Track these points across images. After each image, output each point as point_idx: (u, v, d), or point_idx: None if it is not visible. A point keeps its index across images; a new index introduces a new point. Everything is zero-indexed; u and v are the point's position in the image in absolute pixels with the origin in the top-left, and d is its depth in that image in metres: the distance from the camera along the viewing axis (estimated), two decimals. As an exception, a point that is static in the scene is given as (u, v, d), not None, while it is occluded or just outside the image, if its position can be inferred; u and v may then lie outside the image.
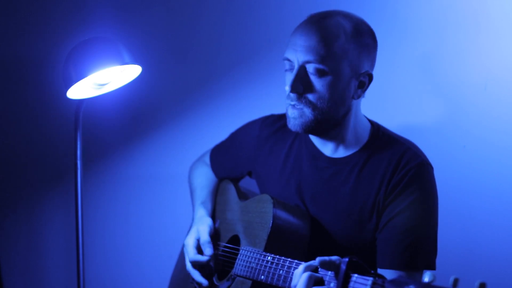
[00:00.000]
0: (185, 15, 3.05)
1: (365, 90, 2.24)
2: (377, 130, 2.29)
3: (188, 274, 2.50)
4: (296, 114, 2.19)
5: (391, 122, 2.49)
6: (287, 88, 2.17)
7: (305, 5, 2.87)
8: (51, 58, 2.98)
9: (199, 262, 2.39)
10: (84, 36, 2.47)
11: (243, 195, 2.54)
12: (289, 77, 2.17)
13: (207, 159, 2.72)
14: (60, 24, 3.01)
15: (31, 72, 3.04)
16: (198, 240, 2.43)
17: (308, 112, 2.17)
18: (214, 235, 2.48)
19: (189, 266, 2.43)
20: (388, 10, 2.87)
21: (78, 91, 2.52)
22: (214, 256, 2.41)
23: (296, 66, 2.16)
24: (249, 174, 2.58)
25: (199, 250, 2.42)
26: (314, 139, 2.33)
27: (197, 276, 2.40)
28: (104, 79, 2.55)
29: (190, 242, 2.43)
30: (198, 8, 3.05)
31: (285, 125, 2.43)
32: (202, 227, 2.45)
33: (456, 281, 1.49)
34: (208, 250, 2.39)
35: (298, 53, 2.14)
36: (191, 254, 2.41)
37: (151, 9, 3.05)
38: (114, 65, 2.41)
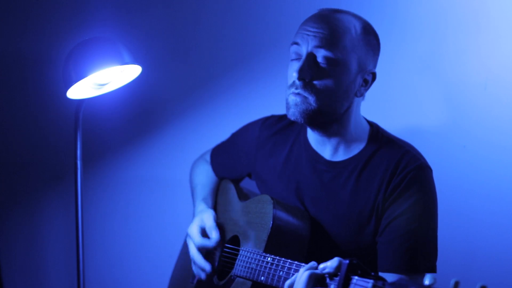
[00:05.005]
0: (185, 15, 3.05)
1: (368, 89, 2.25)
2: (376, 132, 2.29)
3: (187, 273, 2.51)
4: (298, 101, 2.16)
5: (391, 122, 2.50)
6: (294, 74, 2.15)
7: (305, 6, 2.87)
8: (51, 58, 2.98)
9: (206, 246, 2.38)
10: (84, 36, 2.47)
11: (243, 196, 2.53)
12: (296, 65, 2.16)
13: (208, 157, 2.72)
14: (60, 24, 3.01)
15: (32, 72, 3.04)
16: (202, 228, 2.42)
17: (312, 100, 2.15)
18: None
19: (193, 250, 2.40)
20: (388, 10, 2.87)
21: (78, 91, 2.52)
22: (221, 242, 2.40)
23: (304, 52, 2.15)
24: (249, 175, 2.58)
25: (204, 236, 2.40)
26: (313, 141, 2.33)
27: (201, 260, 2.38)
28: (104, 79, 2.55)
29: (194, 229, 2.41)
30: (198, 8, 3.05)
31: (285, 127, 2.43)
32: (206, 214, 2.44)
33: (457, 284, 1.48)
34: (214, 234, 2.38)
35: (310, 38, 2.15)
36: (197, 238, 2.39)
37: (151, 9, 3.05)
38: (114, 65, 2.40)
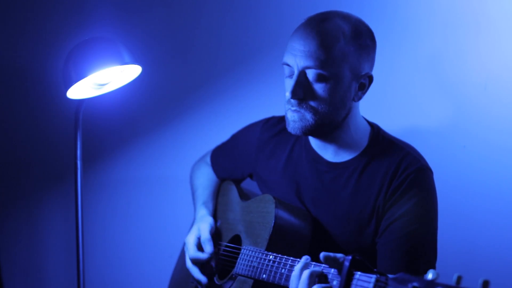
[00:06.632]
0: (185, 15, 3.05)
1: (365, 91, 2.23)
2: (377, 133, 2.28)
3: (188, 274, 2.51)
4: (296, 118, 2.17)
5: (391, 123, 2.49)
6: (288, 94, 2.15)
7: (305, 5, 2.88)
8: (51, 58, 2.97)
9: (199, 259, 2.40)
10: (84, 36, 2.47)
11: (244, 196, 2.53)
12: (289, 83, 2.16)
13: (208, 159, 2.72)
14: (60, 24, 3.01)
15: (31, 72, 3.04)
16: (198, 238, 2.43)
17: (309, 116, 2.15)
18: (215, 234, 2.48)
19: (189, 263, 2.43)
20: (388, 10, 2.87)
21: (78, 91, 2.52)
22: (214, 254, 2.40)
23: (296, 72, 2.14)
24: (250, 176, 2.58)
25: (200, 248, 2.42)
26: (314, 143, 2.33)
27: (196, 273, 2.41)
28: (104, 79, 2.55)
29: (191, 240, 2.43)
30: (198, 8, 3.05)
31: (286, 128, 2.43)
32: (203, 225, 2.45)
33: (459, 279, 1.49)
34: (208, 248, 2.39)
35: (298, 58, 2.13)
36: (191, 251, 2.41)
37: (151, 9, 3.05)
38: (114, 65, 2.40)
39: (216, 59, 3.07)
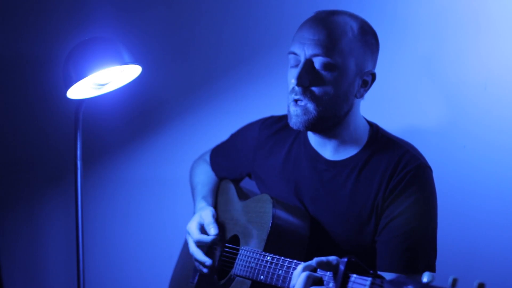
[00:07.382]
0: (185, 15, 3.05)
1: (368, 89, 2.24)
2: (376, 132, 2.29)
3: (188, 273, 2.51)
4: (299, 112, 2.18)
5: (391, 122, 2.49)
6: (293, 81, 2.16)
7: (305, 6, 2.86)
8: (51, 58, 2.98)
9: (204, 241, 2.40)
10: (84, 36, 2.47)
11: (243, 195, 2.53)
12: (294, 71, 2.17)
13: (208, 158, 2.72)
14: (60, 24, 3.01)
15: (31, 72, 3.04)
16: (200, 224, 2.43)
17: (311, 108, 2.16)
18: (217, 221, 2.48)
19: (193, 247, 2.42)
20: (388, 10, 2.87)
21: (78, 91, 2.52)
22: (220, 239, 2.40)
23: (302, 60, 2.15)
24: (249, 175, 2.58)
25: (203, 232, 2.42)
26: (313, 141, 2.33)
27: (200, 255, 2.40)
28: (104, 79, 2.55)
29: (193, 226, 2.42)
30: (198, 8, 3.05)
31: (284, 127, 2.43)
32: (204, 212, 2.45)
33: (455, 281, 1.48)
34: (212, 230, 2.39)
35: (306, 47, 2.15)
36: (195, 234, 2.41)
37: (151, 9, 3.05)
38: (114, 65, 2.40)
39: (216, 59, 3.07)
